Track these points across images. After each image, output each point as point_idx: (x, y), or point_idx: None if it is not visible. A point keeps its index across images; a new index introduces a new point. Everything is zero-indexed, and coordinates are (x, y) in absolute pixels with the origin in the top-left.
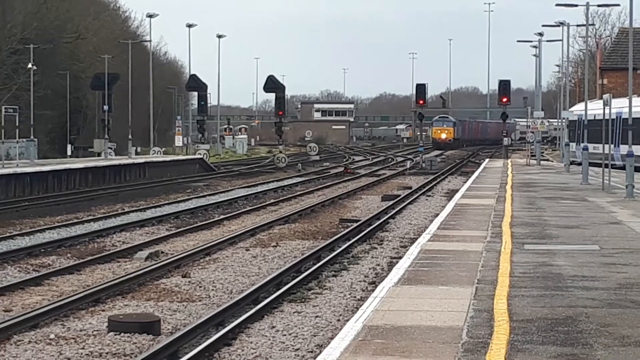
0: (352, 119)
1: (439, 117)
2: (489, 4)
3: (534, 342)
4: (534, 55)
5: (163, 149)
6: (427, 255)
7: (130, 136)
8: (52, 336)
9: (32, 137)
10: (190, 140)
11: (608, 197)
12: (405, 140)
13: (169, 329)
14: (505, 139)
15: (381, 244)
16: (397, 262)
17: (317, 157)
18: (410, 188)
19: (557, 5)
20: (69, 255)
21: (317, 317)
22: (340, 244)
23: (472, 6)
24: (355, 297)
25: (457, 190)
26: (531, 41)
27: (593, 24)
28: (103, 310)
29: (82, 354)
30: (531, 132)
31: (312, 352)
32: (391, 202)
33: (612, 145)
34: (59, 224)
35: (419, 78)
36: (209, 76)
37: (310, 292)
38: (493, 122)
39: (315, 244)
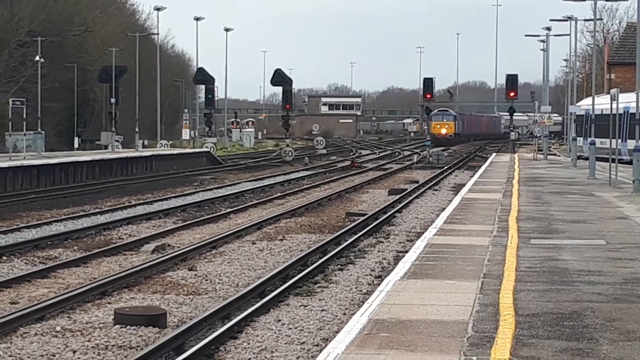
0: (359, 113)
1: (438, 111)
2: None
3: (540, 337)
4: (542, 49)
5: (170, 142)
6: (434, 249)
7: (137, 129)
8: (58, 328)
9: (39, 129)
10: (197, 133)
11: (615, 192)
12: (412, 134)
13: (175, 322)
14: (513, 133)
15: (387, 238)
16: (403, 256)
17: (324, 151)
18: (417, 182)
19: None
20: (75, 247)
21: (323, 310)
22: (347, 238)
23: (480, 0)
24: (361, 290)
25: (463, 185)
26: (539, 35)
27: (601, 19)
28: (109, 303)
29: (88, 346)
30: (539, 127)
31: (317, 345)
32: (398, 196)
33: (619, 140)
34: (66, 217)
35: (427, 72)
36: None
37: (316, 285)
38: (498, 117)
39: (321, 238)
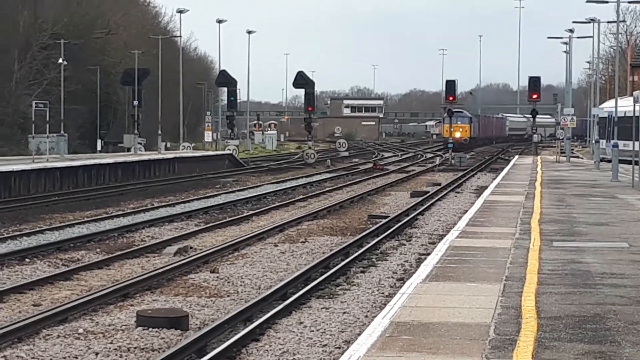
0: (381, 115)
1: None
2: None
3: (562, 340)
4: (565, 51)
5: (192, 145)
6: (456, 251)
7: (159, 131)
8: (80, 331)
9: (62, 132)
10: (219, 135)
11: (638, 194)
12: (434, 136)
13: (197, 324)
14: (535, 135)
15: (410, 241)
16: (425, 259)
17: (347, 153)
18: (440, 184)
19: (588, 1)
20: (98, 250)
21: (344, 313)
22: (369, 240)
23: (503, 3)
24: (383, 293)
25: (486, 187)
26: (562, 38)
27: (624, 21)
28: (131, 305)
29: (110, 348)
30: (561, 129)
31: (339, 348)
32: (420, 199)
33: None
34: (89, 219)
35: (449, 74)
36: (239, 72)
37: (338, 288)
38: (502, 118)
39: (343, 240)
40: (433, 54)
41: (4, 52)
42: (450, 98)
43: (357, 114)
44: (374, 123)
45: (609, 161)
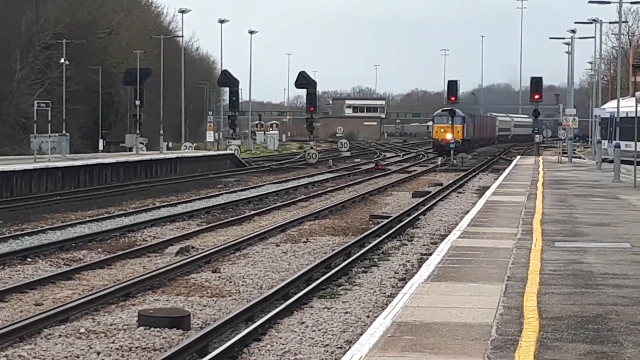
0: (383, 116)
1: (442, 111)
2: (522, 0)
3: (564, 340)
4: (567, 52)
5: (194, 144)
6: (457, 252)
7: (161, 131)
8: (82, 330)
9: (64, 131)
10: (221, 135)
11: None
12: None
13: (198, 324)
14: (537, 136)
15: (411, 241)
16: (427, 259)
17: (348, 153)
18: (441, 185)
19: (590, 2)
20: (99, 249)
21: (346, 313)
22: (371, 240)
23: (505, 3)
24: (384, 293)
25: (488, 187)
26: (564, 38)
27: (626, 21)
28: (133, 305)
29: (112, 348)
30: (563, 129)
31: (341, 348)
32: (422, 199)
33: None
34: (90, 219)
35: (451, 74)
36: (241, 72)
37: (340, 288)
38: (492, 117)
39: (345, 240)
40: (435, 54)
41: (6, 51)
42: (453, 98)
43: (359, 114)
44: (375, 123)
45: (611, 162)
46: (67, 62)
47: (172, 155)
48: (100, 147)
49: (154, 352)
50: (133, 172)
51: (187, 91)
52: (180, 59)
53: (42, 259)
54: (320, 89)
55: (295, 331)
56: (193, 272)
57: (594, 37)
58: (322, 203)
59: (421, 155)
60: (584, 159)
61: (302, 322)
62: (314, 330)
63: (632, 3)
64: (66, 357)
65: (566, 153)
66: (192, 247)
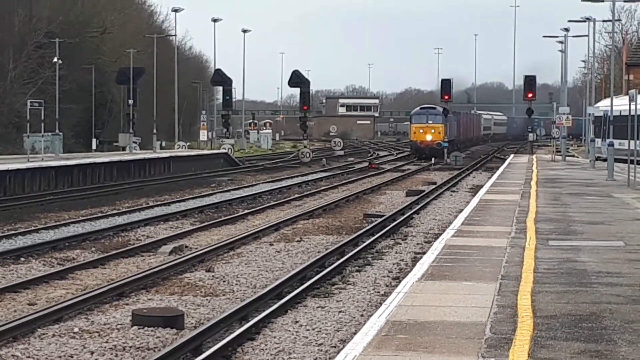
0: (376, 114)
1: (421, 109)
2: None
3: (558, 338)
4: (560, 50)
5: (188, 144)
6: (451, 250)
7: (155, 130)
8: (76, 330)
9: (57, 131)
10: (215, 134)
11: (634, 193)
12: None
13: (192, 323)
14: (531, 134)
15: (405, 240)
16: (421, 258)
17: (342, 152)
18: (435, 183)
19: (583, 0)
20: (93, 249)
21: (340, 312)
22: (364, 239)
23: (498, 1)
24: (378, 292)
25: (481, 186)
26: (557, 37)
27: (619, 20)
28: (127, 304)
29: (105, 347)
30: (556, 128)
31: (335, 347)
32: (416, 198)
33: (638, 141)
34: (84, 218)
35: (444, 73)
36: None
37: (333, 287)
38: (477, 115)
39: (339, 239)
40: (428, 52)
41: None
42: (446, 97)
43: (353, 112)
44: (369, 122)
45: (605, 160)
46: (60, 61)
47: (165, 154)
48: (94, 147)
49: (147, 352)
50: (126, 172)
51: (181, 90)
52: (173, 58)
53: (35, 258)
54: (313, 87)
55: (289, 330)
56: (187, 272)
57: (588, 36)
58: (316, 202)
59: None
60: (577, 157)
61: (296, 321)
62: (308, 330)
63: (625, 1)
64: (60, 356)
65: (560, 151)
66: (186, 247)
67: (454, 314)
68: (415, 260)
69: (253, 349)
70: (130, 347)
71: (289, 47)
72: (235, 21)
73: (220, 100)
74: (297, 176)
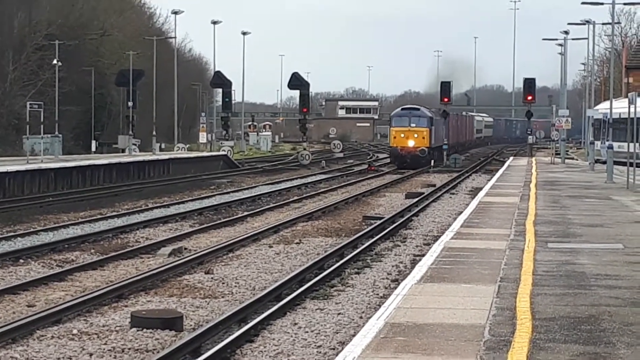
0: (376, 117)
1: (402, 110)
2: (515, 1)
3: (557, 341)
4: (560, 53)
5: (187, 146)
6: (450, 253)
7: (154, 132)
8: (75, 331)
9: (56, 133)
10: (214, 136)
11: (633, 195)
12: None
13: (191, 325)
14: (530, 137)
15: (404, 242)
16: (420, 260)
17: (341, 155)
18: (434, 186)
19: (583, 3)
20: (92, 250)
21: (339, 314)
22: (364, 242)
23: (498, 4)
24: (377, 294)
25: (481, 188)
26: (557, 39)
27: (619, 22)
28: (126, 306)
29: (104, 349)
30: (556, 130)
31: (334, 349)
32: (415, 200)
33: (637, 144)
34: (83, 220)
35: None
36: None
37: (332, 289)
38: (469, 117)
39: (338, 241)
40: (428, 55)
41: None
42: (446, 99)
43: (352, 115)
44: (368, 124)
45: (604, 163)
46: (59, 64)
47: (164, 156)
48: (93, 148)
49: (146, 354)
50: (126, 173)
51: (180, 92)
52: (173, 60)
53: (34, 260)
54: (313, 90)
55: (288, 332)
56: (186, 274)
57: (587, 39)
58: (315, 204)
59: None
60: (577, 160)
61: (295, 324)
62: (307, 332)
63: (624, 4)
64: (59, 358)
65: (559, 154)
66: (185, 248)
67: (453, 316)
68: (414, 263)
69: (252, 351)
70: (129, 349)
71: (289, 50)
72: (235, 23)
73: (220, 103)
74: (296, 178)
